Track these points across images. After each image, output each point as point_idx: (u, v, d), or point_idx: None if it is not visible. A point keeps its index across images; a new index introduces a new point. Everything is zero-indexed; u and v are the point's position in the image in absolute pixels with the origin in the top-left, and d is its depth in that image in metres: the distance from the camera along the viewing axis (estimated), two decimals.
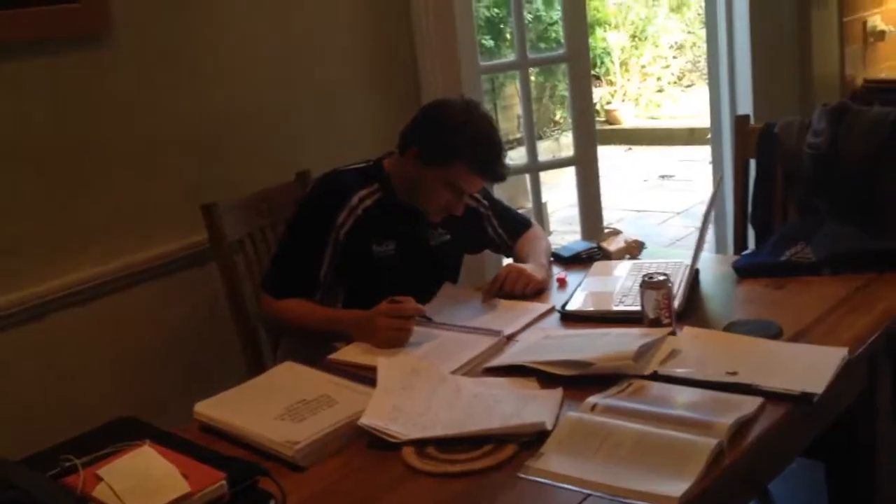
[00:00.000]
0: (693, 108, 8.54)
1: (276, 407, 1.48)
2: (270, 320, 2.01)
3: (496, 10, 7.35)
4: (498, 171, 1.97)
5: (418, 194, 1.99)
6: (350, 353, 1.77)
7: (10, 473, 0.91)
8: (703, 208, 6.02)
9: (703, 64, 8.67)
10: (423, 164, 1.95)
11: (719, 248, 3.35)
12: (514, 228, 2.24)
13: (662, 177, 7.03)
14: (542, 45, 7.59)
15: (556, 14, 7.58)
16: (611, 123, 8.74)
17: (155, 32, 2.18)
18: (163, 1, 2.19)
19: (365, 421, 1.41)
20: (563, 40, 3.12)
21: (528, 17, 7.39)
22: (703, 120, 6.80)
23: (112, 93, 2.11)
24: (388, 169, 2.05)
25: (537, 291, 2.01)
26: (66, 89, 2.04)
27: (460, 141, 1.91)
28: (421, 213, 2.03)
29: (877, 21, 3.82)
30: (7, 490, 0.89)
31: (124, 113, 2.14)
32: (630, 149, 8.23)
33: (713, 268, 2.08)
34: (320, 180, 2.05)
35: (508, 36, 7.55)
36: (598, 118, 7.77)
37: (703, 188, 6.29)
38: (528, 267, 2.05)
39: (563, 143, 8.05)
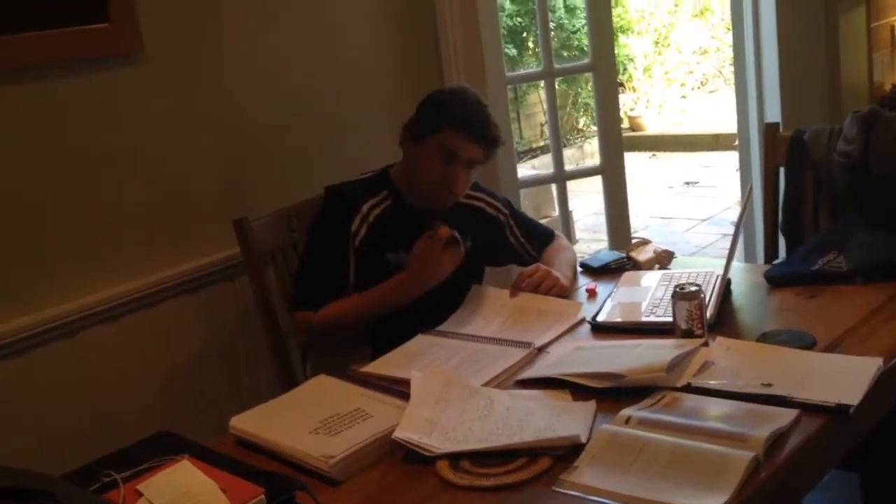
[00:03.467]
0: (718, 114, 8.50)
1: (311, 421, 1.49)
2: (315, 334, 2.00)
3: (518, 19, 7.36)
4: (486, 131, 2.01)
5: (417, 176, 2.03)
6: (381, 366, 1.78)
7: (56, 490, 0.93)
8: (729, 215, 5.98)
9: (727, 69, 8.64)
10: (417, 141, 2.03)
11: (749, 257, 3.33)
12: (539, 240, 2.25)
13: (687, 183, 7.00)
14: (566, 54, 7.59)
15: (580, 22, 7.58)
16: (635, 130, 8.72)
17: (185, 50, 2.21)
18: (192, 19, 2.22)
19: (399, 434, 1.42)
20: (587, 49, 3.12)
21: (551, 25, 7.40)
22: (728, 125, 6.78)
23: (143, 110, 2.14)
24: (395, 175, 2.09)
25: (560, 295, 2.02)
26: (98, 107, 2.07)
27: (447, 108, 2.02)
28: (434, 214, 2.05)
29: None
30: None
31: (155, 129, 2.17)
32: (654, 155, 8.20)
33: (744, 277, 2.07)
34: (327, 196, 2.10)
35: (531, 44, 7.57)
36: (622, 125, 7.75)
37: (728, 194, 6.25)
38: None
39: (587, 151, 8.04)
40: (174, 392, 2.21)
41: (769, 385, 1.47)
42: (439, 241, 1.91)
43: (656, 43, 9.29)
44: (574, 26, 7.85)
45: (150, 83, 2.15)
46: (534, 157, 7.88)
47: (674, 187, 6.98)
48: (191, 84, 2.23)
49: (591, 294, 2.06)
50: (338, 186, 2.10)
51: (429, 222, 1.97)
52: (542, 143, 7.87)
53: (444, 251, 1.92)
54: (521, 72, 5.84)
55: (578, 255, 2.27)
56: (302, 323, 1.99)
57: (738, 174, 3.56)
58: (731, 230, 2.27)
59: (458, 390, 1.57)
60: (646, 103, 9.09)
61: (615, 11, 8.62)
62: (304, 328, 1.99)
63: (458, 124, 1.98)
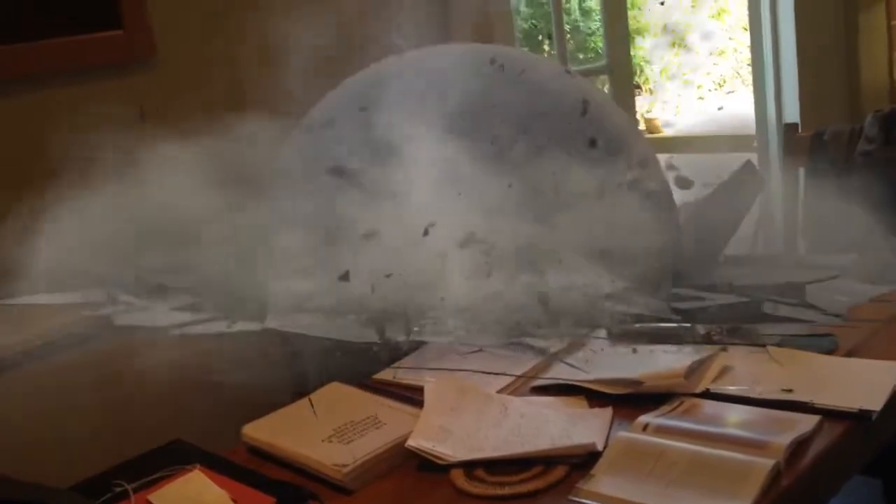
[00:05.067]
0: (736, 115, 8.44)
1: (324, 429, 1.47)
2: None
3: (534, 21, 7.36)
4: None
5: None
6: (394, 374, 1.76)
7: (54, 502, 0.92)
8: (747, 217, 5.87)
9: (745, 70, 8.59)
10: None
11: None
12: None
13: (705, 185, 6.94)
14: (581, 56, 7.58)
15: (595, 24, 7.56)
16: (651, 132, 8.68)
17: (199, 56, 2.20)
18: (205, 24, 2.21)
19: (413, 442, 1.40)
20: (602, 51, 3.10)
21: (567, 27, 7.38)
22: (746, 127, 6.72)
23: (157, 117, 2.14)
24: None
25: None
26: (111, 116, 2.07)
27: None
28: None
29: None
30: None
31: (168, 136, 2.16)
32: (672, 157, 8.14)
33: None
34: None
35: (546, 47, 7.55)
36: (639, 127, 7.71)
37: None
38: None
39: None
40: (188, 399, 2.20)
41: (790, 391, 1.45)
42: None
43: (673, 44, 9.26)
44: (590, 29, 7.84)
45: (164, 90, 2.15)
46: None
47: (692, 189, 6.92)
48: (205, 89, 2.22)
49: None
50: None
51: None
52: None
53: None
54: None
55: None
56: None
57: None
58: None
59: (472, 397, 1.55)
60: (663, 105, 9.05)
61: (631, 13, 8.60)
62: None
63: None
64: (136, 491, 1.22)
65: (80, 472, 1.38)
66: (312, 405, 1.61)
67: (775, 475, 1.23)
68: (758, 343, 1.64)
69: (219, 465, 1.31)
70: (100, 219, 1.96)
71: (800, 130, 2.45)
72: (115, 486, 1.25)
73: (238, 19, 2.27)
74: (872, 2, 3.40)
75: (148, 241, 2.10)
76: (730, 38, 9.27)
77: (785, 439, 1.28)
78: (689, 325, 1.68)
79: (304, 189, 1.98)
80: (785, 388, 1.46)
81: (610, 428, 1.42)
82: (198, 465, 1.28)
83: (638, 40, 8.80)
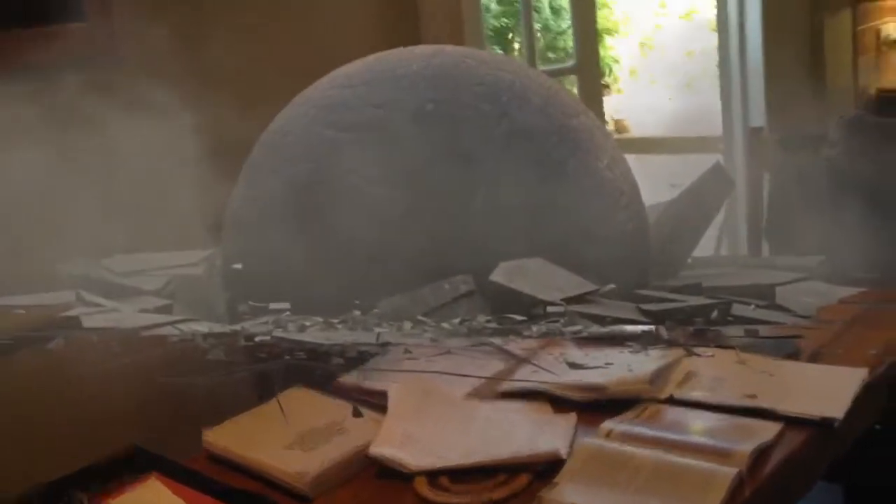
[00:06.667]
0: (703, 116, 8.51)
1: (286, 435, 1.45)
2: None
3: (504, 19, 7.36)
4: None
5: None
6: (359, 378, 1.74)
7: None
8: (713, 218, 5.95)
9: (713, 71, 8.67)
10: None
11: None
12: None
13: (673, 185, 6.99)
14: (551, 55, 7.60)
15: (565, 23, 7.58)
16: (620, 132, 8.73)
17: (164, 54, 2.17)
18: (172, 21, 2.18)
19: (375, 450, 1.38)
20: (572, 51, 3.10)
21: (537, 26, 7.39)
22: (713, 128, 6.79)
23: (122, 114, 2.10)
24: None
25: None
26: (72, 113, 2.03)
27: None
28: None
29: (891, 30, 3.79)
30: None
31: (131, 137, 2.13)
32: (639, 157, 8.19)
33: None
34: None
35: (517, 45, 7.55)
36: (607, 127, 7.74)
37: None
38: None
39: None
40: (149, 402, 2.16)
41: (753, 396, 1.45)
42: None
43: (642, 45, 9.32)
44: (560, 27, 7.85)
45: (127, 87, 2.10)
46: None
47: (659, 190, 6.96)
48: (171, 87, 2.19)
49: None
50: None
51: None
52: None
53: None
54: None
55: None
56: None
57: None
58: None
59: (437, 402, 1.53)
60: (631, 105, 9.10)
61: (601, 13, 8.64)
62: None
63: None
64: (89, 500, 1.20)
65: (31, 479, 1.35)
66: (282, 408, 1.58)
67: (738, 484, 1.23)
68: (723, 346, 1.65)
69: (176, 473, 1.28)
70: None
71: (766, 133, 2.47)
72: (68, 494, 1.21)
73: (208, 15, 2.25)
74: (839, 7, 3.44)
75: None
76: (698, 40, 9.34)
77: (747, 448, 1.29)
78: (655, 327, 1.68)
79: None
80: (748, 394, 1.46)
81: (574, 434, 1.41)
82: (154, 473, 1.25)
83: (607, 40, 8.84)
